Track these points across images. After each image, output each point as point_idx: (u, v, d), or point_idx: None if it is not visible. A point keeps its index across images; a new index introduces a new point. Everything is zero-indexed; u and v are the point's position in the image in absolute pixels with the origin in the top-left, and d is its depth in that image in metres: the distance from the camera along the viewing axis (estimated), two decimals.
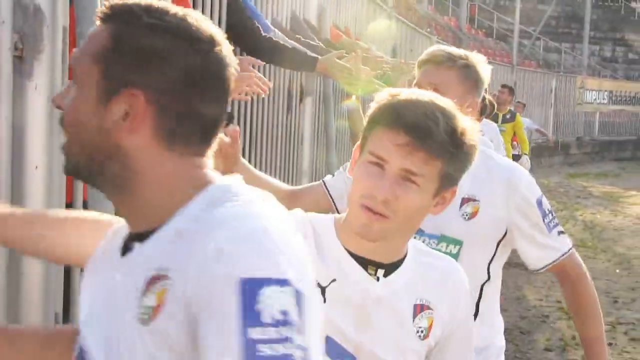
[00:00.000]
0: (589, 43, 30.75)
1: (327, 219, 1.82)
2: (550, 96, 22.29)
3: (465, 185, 2.27)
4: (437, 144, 1.62)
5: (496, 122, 9.10)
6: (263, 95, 3.78)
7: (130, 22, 1.27)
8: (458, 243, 2.47)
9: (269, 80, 5.05)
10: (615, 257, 10.74)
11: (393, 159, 1.64)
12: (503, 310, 8.08)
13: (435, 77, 2.51)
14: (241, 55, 4.05)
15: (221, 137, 1.44)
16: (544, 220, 2.51)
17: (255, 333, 1.09)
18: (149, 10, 1.27)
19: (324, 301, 1.71)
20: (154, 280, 1.19)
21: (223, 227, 1.17)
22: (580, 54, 29.60)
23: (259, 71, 4.68)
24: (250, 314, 1.10)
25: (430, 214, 1.77)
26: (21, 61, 2.21)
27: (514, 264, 9.75)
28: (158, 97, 1.26)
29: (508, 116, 10.82)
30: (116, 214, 1.43)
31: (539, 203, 2.51)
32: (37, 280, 2.26)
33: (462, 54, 2.58)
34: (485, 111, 5.74)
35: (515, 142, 11.23)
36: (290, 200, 2.43)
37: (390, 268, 1.75)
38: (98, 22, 1.30)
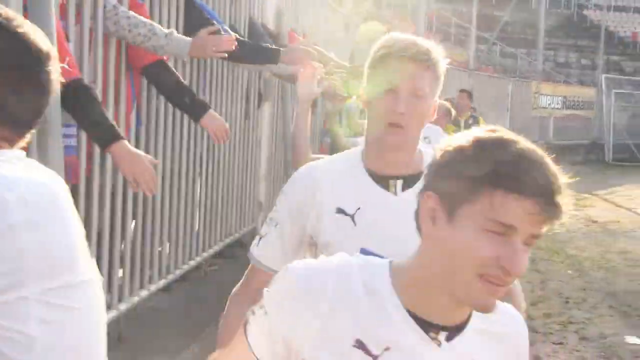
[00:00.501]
0: (544, 49, 31.13)
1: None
2: (507, 101, 22.52)
3: None
4: (560, 209, 1.44)
5: (458, 127, 8.88)
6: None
7: None
8: None
9: (228, 86, 5.10)
10: (567, 259, 10.91)
11: (524, 227, 1.42)
12: None
13: (420, 80, 2.11)
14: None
15: None
16: None
17: None
18: None
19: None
20: None
21: None
22: (535, 60, 29.95)
23: (218, 77, 4.73)
24: None
25: None
26: None
27: None
28: None
29: (470, 121, 10.46)
30: None
31: None
32: None
33: (428, 47, 2.15)
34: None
35: None
36: None
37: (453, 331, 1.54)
38: None
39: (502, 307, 1.60)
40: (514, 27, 34.20)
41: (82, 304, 1.46)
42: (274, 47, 4.56)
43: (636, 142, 28.15)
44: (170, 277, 4.37)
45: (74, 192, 3.23)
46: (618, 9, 38.79)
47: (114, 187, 3.63)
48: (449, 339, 1.51)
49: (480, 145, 1.43)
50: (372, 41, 2.24)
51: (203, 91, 4.64)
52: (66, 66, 2.80)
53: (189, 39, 3.53)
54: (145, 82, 3.90)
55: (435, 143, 6.13)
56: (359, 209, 2.13)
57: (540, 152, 1.48)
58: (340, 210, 2.14)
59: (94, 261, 1.54)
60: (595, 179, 21.66)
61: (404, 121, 2.11)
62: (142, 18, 3.44)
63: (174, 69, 3.83)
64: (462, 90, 11.37)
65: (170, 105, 4.13)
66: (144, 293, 4.00)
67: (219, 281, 5.07)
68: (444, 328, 1.51)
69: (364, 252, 1.73)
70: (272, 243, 2.26)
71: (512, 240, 1.41)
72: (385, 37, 2.18)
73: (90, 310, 1.50)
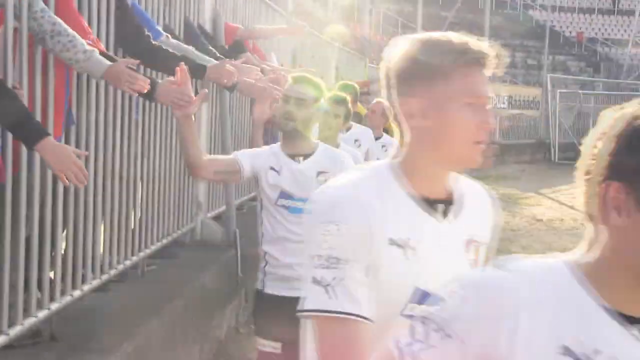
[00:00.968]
0: None
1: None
2: None
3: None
4: None
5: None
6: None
7: None
8: None
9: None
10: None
11: None
12: None
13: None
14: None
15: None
16: None
17: None
18: None
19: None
20: None
21: None
22: None
23: (153, 76, 4.74)
24: None
25: None
26: None
27: None
28: None
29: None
30: None
31: None
32: None
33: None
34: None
35: None
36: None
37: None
38: None
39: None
40: (460, 27, 34.47)
41: None
42: (200, 63, 4.58)
43: (582, 142, 28.58)
44: (105, 277, 4.38)
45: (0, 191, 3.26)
46: (563, 9, 39.43)
47: (43, 187, 3.63)
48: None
49: None
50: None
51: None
52: None
53: (107, 63, 3.52)
54: (77, 81, 3.91)
55: (367, 145, 6.22)
56: (409, 238, 1.79)
57: None
58: (393, 242, 1.78)
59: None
60: (541, 178, 21.98)
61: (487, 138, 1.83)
62: (67, 28, 3.45)
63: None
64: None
65: (103, 104, 4.16)
66: (76, 293, 4.01)
67: (156, 280, 5.09)
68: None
69: (420, 292, 1.69)
70: (357, 286, 1.71)
71: None
72: (446, 38, 1.82)
73: None
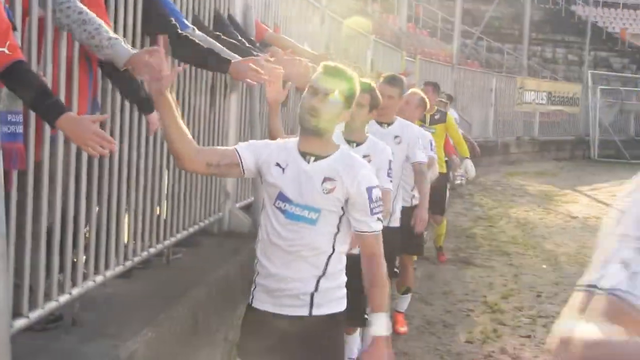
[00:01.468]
0: (530, 44, 31.19)
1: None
2: (491, 96, 22.58)
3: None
4: None
5: (424, 123, 8.51)
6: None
7: None
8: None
9: (192, 76, 5.15)
10: (543, 253, 11.00)
11: None
12: (429, 304, 8.20)
13: None
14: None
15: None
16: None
17: None
18: None
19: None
20: None
21: None
22: (521, 55, 30.03)
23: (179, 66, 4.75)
24: None
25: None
26: None
27: (447, 261, 9.98)
28: None
29: (437, 116, 9.32)
30: None
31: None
32: None
33: None
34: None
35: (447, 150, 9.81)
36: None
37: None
38: None
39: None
40: (500, 22, 34.27)
41: None
42: (225, 57, 4.59)
43: (622, 139, 28.26)
44: (128, 263, 4.43)
45: (22, 177, 3.31)
46: (607, 4, 38.89)
47: (67, 171, 3.68)
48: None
49: None
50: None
51: None
52: (6, 50, 2.88)
53: (130, 51, 3.55)
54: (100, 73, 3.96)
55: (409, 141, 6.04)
56: None
57: None
58: None
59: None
60: (579, 175, 21.80)
61: None
62: (93, 16, 3.50)
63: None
64: (426, 83, 10.00)
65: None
66: (99, 278, 4.06)
67: (180, 268, 5.13)
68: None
69: None
70: None
71: None
72: None
73: None
